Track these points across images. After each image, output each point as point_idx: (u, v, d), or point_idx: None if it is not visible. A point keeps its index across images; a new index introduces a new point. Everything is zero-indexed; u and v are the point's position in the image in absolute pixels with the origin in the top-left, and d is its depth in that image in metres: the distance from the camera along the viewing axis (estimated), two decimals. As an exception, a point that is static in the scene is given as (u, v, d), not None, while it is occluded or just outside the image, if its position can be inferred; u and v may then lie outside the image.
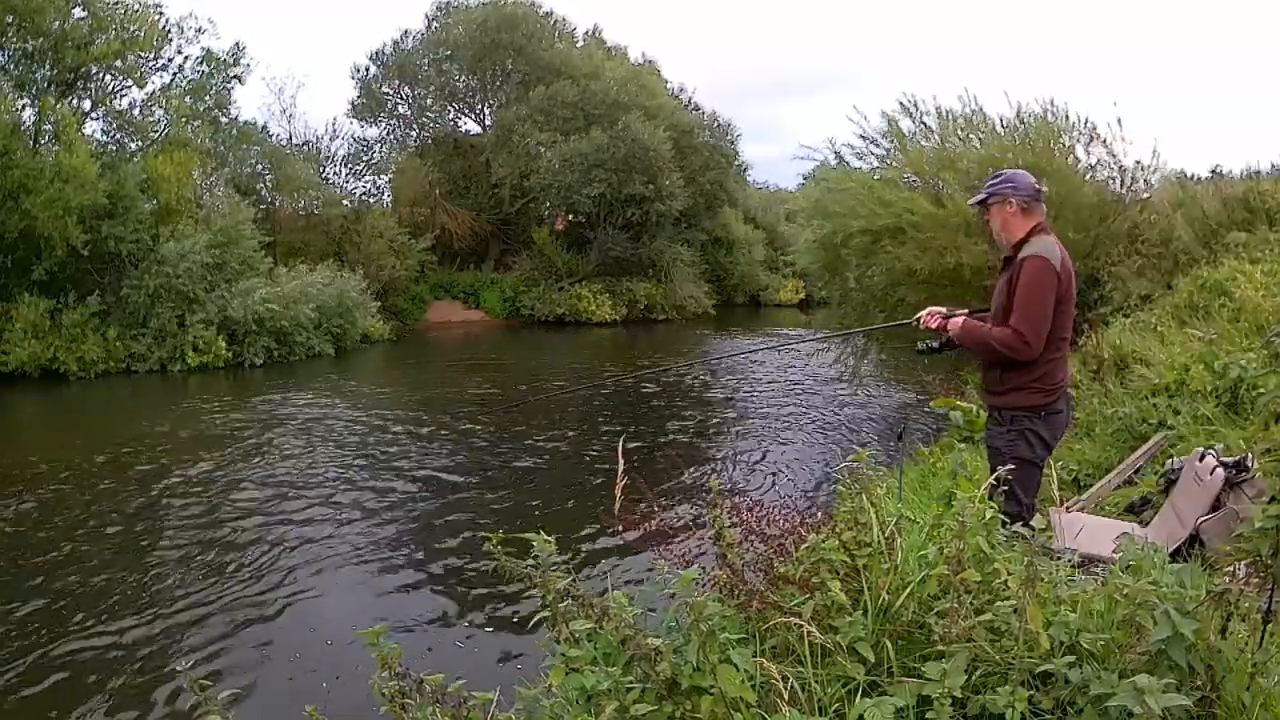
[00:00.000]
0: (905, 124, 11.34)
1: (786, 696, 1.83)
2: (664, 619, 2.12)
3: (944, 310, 3.58)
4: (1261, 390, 5.37)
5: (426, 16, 31.86)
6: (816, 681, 1.92)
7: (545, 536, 2.08)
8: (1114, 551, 2.18)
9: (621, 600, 1.97)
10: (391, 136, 32.39)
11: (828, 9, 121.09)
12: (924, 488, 5.67)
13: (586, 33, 35.37)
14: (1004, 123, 10.80)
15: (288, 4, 54.54)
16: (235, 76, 21.46)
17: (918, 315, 3.62)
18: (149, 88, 19.98)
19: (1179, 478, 4.28)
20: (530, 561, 2.05)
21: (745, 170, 37.89)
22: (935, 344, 3.59)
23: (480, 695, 1.97)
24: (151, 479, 9.24)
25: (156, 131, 19.87)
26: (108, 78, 19.21)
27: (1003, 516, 2.27)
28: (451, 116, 33.01)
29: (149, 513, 8.07)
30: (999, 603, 1.89)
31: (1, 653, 5.27)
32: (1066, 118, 10.48)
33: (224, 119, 22.22)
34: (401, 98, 32.45)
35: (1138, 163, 10.70)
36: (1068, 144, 10.49)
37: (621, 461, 3.35)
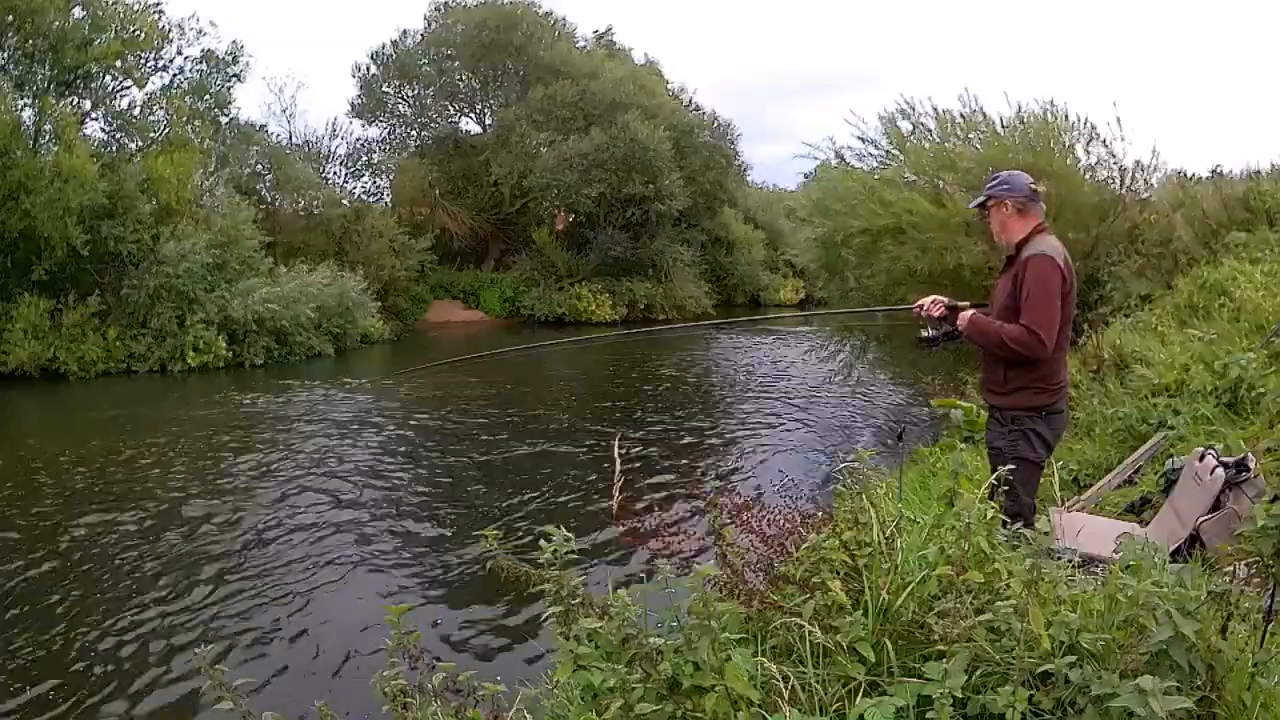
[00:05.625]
0: (904, 125, 11.36)
1: (787, 696, 1.84)
2: (664, 618, 2.12)
3: (947, 300, 3.57)
4: (1262, 390, 5.38)
5: (426, 16, 31.92)
6: (817, 681, 1.92)
7: (565, 533, 2.07)
8: (1114, 551, 2.19)
9: (625, 599, 1.97)
10: (392, 136, 32.41)
11: (843, 7, 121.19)
12: (924, 488, 5.68)
13: (596, 33, 35.52)
14: (1004, 123, 10.81)
15: (288, 4, 54.47)
16: (235, 75, 21.45)
17: (920, 302, 3.62)
18: (149, 88, 20.01)
19: (1179, 478, 4.28)
20: (546, 557, 2.05)
21: (745, 170, 37.93)
22: (935, 333, 3.56)
23: (490, 687, 1.98)
24: (151, 478, 9.24)
25: (156, 132, 19.86)
26: (108, 78, 19.20)
27: (1004, 517, 2.28)
28: (451, 116, 33.00)
29: (149, 512, 8.06)
30: (999, 603, 1.89)
31: (10, 647, 5.27)
32: (1066, 117, 10.49)
33: (224, 119, 22.20)
34: (402, 97, 32.45)
35: (1138, 162, 10.70)
36: (1068, 144, 10.49)
37: (618, 461, 3.35)
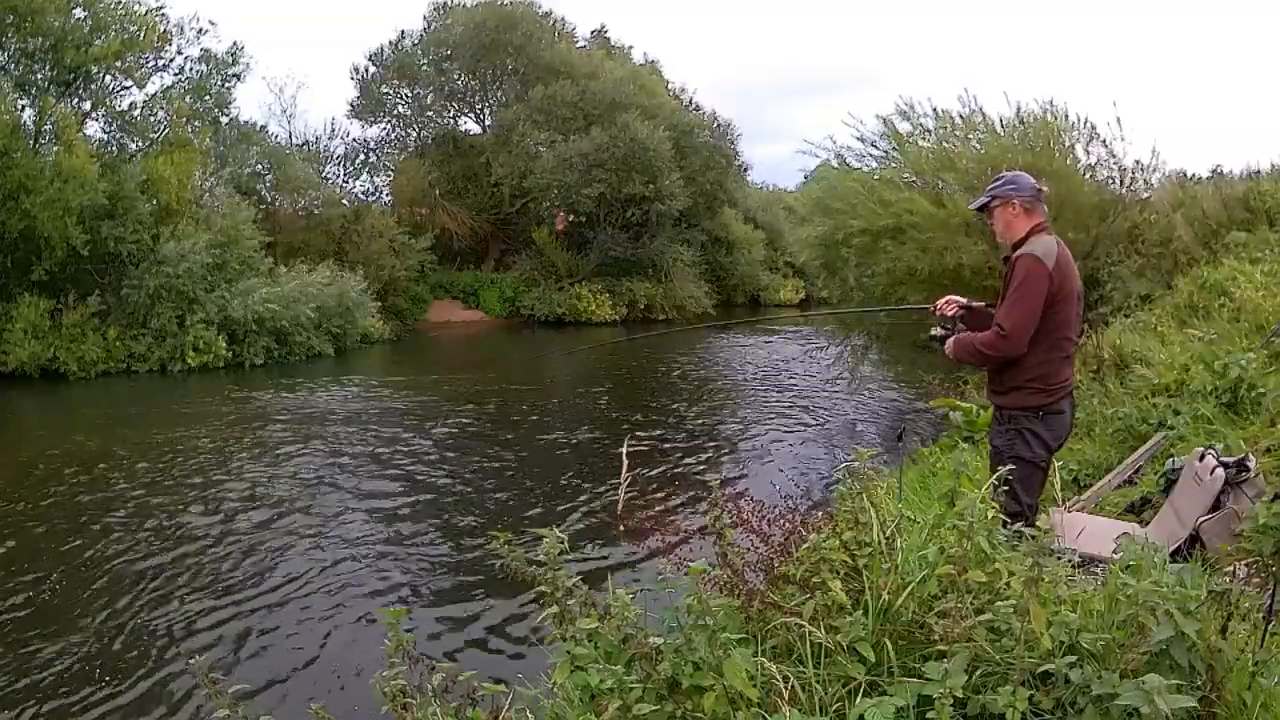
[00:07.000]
0: (904, 126, 11.36)
1: (787, 696, 1.84)
2: (665, 618, 2.12)
3: (962, 300, 3.58)
4: (1262, 390, 5.38)
5: (425, 17, 31.90)
6: (817, 681, 1.92)
7: (558, 534, 2.08)
8: (1114, 551, 2.19)
9: (625, 599, 1.97)
10: (392, 136, 32.40)
11: (843, 7, 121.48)
12: (924, 488, 5.68)
13: (593, 32, 35.47)
14: (1004, 123, 10.81)
15: (288, 4, 54.48)
16: (234, 75, 21.43)
17: (936, 303, 3.64)
18: (149, 88, 20.00)
19: (1179, 478, 4.28)
20: (541, 557, 2.05)
21: (745, 170, 37.91)
22: (945, 332, 3.59)
23: (490, 688, 1.98)
24: (152, 479, 9.23)
25: (157, 132, 19.85)
26: (108, 78, 19.18)
27: (1003, 517, 2.28)
28: (451, 116, 33.00)
29: (150, 512, 8.06)
30: (999, 603, 1.89)
31: (7, 650, 5.28)
32: (1066, 117, 10.50)
33: (224, 119, 22.20)
34: (401, 98, 32.42)
35: (1138, 162, 10.72)
36: (1068, 144, 10.50)
37: (626, 462, 3.36)
